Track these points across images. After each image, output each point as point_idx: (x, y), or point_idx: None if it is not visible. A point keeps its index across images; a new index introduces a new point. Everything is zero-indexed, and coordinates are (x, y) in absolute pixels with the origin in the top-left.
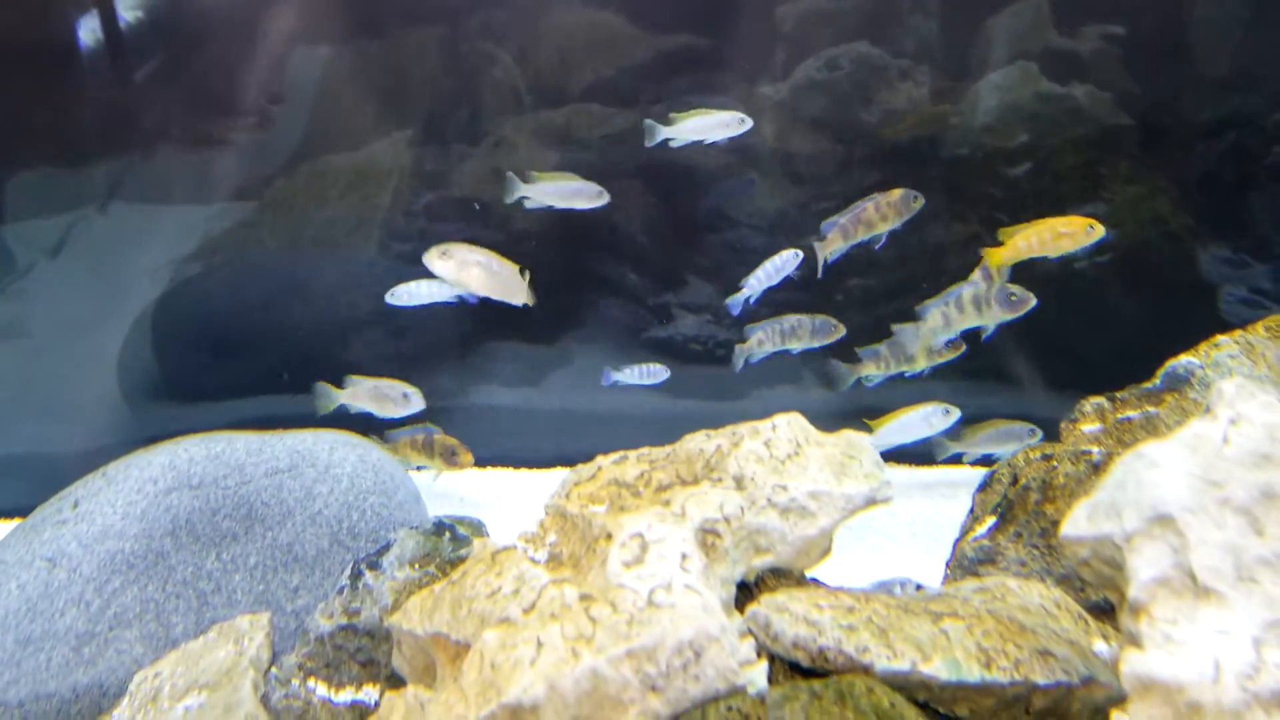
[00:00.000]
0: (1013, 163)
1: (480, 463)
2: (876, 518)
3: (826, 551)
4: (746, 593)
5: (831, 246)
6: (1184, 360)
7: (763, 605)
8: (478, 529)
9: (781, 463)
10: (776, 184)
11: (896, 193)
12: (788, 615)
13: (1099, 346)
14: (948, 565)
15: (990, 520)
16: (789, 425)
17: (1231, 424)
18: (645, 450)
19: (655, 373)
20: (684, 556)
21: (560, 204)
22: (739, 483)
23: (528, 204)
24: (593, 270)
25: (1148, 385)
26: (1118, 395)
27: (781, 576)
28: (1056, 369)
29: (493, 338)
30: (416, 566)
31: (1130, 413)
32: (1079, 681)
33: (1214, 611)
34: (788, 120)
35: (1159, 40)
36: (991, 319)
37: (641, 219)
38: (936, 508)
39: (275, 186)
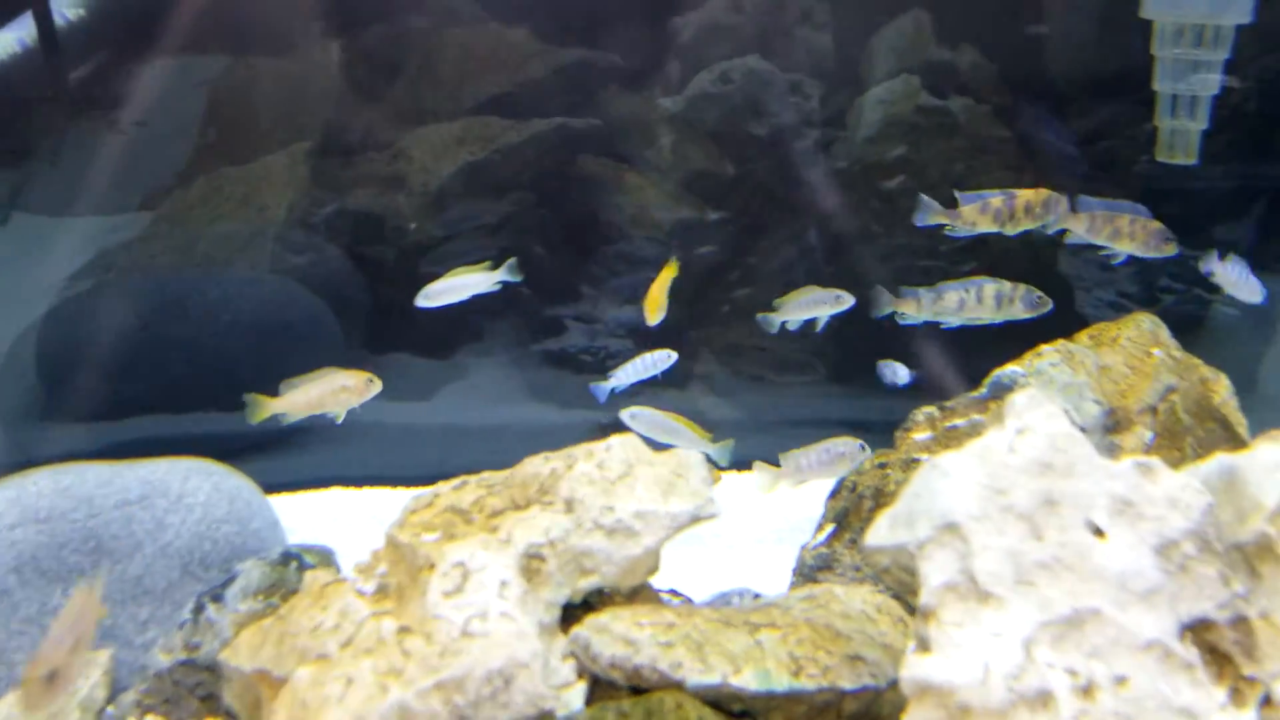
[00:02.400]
0: (889, 175)
1: (360, 482)
2: (747, 523)
3: (653, 569)
4: (578, 613)
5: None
6: (1009, 369)
7: (585, 627)
8: (326, 558)
9: (612, 484)
10: (672, 195)
11: (1043, 193)
12: (607, 635)
13: (967, 353)
14: (793, 572)
15: (830, 527)
16: (623, 446)
17: (1018, 434)
18: (486, 475)
19: (658, 360)
20: (503, 584)
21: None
22: (569, 505)
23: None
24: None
25: (975, 394)
26: (947, 404)
27: (611, 596)
28: (931, 374)
29: (379, 352)
30: (261, 598)
31: (958, 421)
32: (886, 685)
33: (993, 614)
34: (683, 132)
35: (1034, 52)
36: (1007, 316)
37: (536, 231)
38: (806, 514)
39: (170, 200)
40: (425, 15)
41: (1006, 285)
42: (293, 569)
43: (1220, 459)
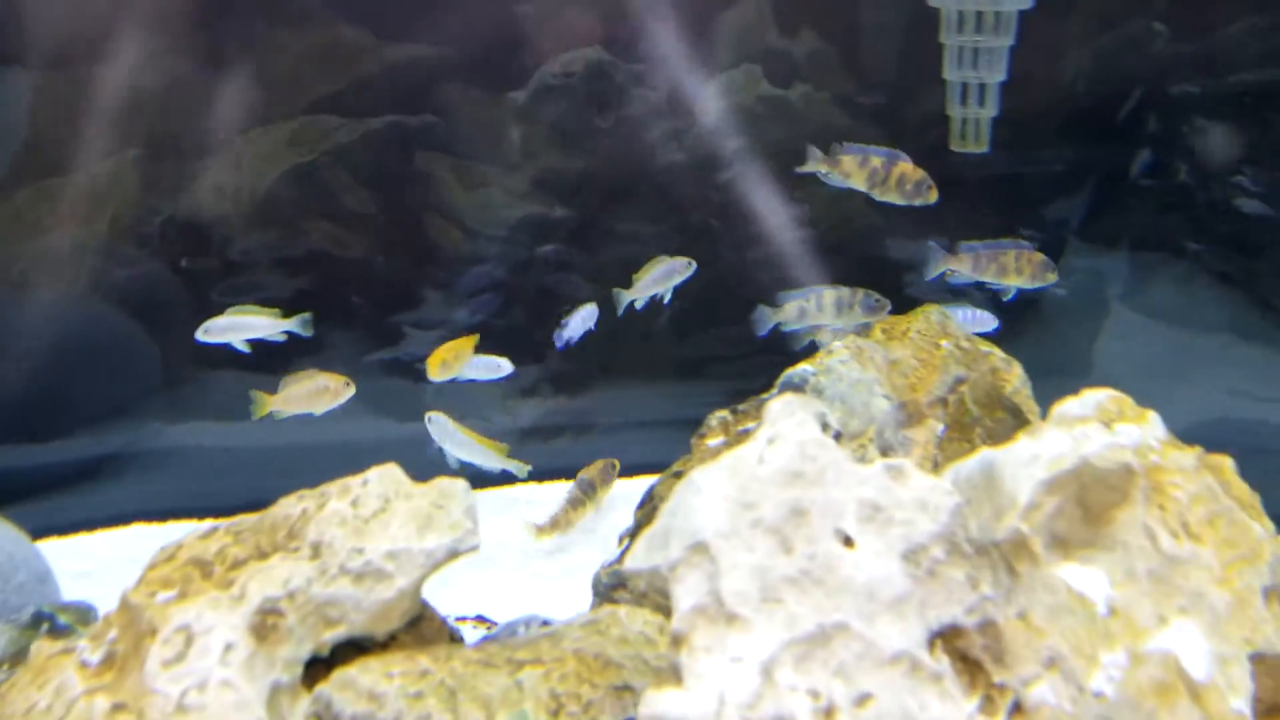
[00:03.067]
0: (725, 166)
1: (167, 515)
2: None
3: (408, 613)
4: (332, 665)
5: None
6: (800, 368)
7: (330, 683)
8: (84, 615)
9: (365, 522)
10: (515, 192)
11: (919, 173)
12: (350, 691)
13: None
14: (592, 592)
15: (626, 542)
16: (380, 479)
17: (769, 443)
18: (239, 520)
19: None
20: (227, 647)
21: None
22: (315, 550)
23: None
24: (317, 293)
25: (765, 395)
26: (740, 407)
27: (362, 645)
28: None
29: (205, 368)
30: (5, 668)
31: (749, 424)
32: None
33: (738, 637)
34: (526, 128)
35: (871, 42)
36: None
37: (372, 234)
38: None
39: None
40: (258, 14)
41: (845, 291)
42: (43, 632)
43: (982, 454)
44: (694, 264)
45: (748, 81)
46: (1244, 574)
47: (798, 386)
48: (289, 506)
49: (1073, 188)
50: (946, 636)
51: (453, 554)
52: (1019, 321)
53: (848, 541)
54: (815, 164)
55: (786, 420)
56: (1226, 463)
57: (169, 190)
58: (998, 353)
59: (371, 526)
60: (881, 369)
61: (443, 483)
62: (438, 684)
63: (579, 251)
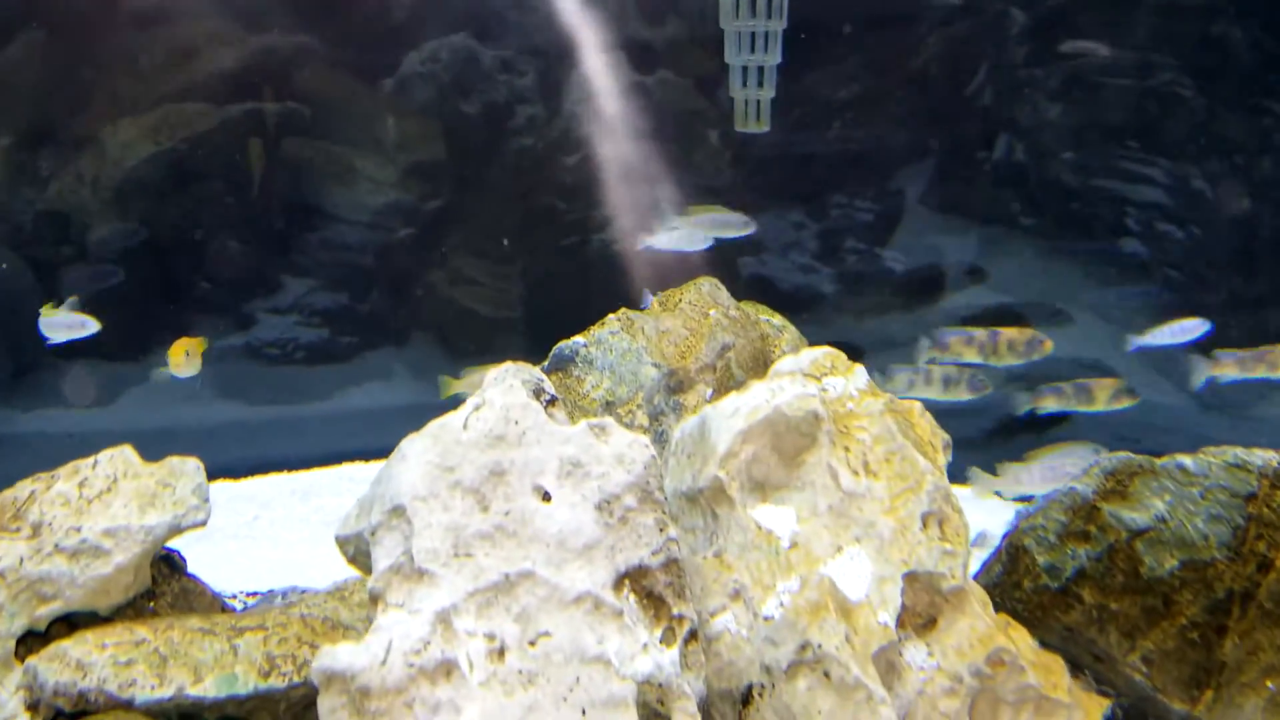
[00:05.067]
0: (573, 150)
1: None
2: None
3: (132, 586)
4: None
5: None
6: (572, 340)
7: (40, 656)
8: None
9: (89, 502)
10: (378, 178)
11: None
12: (58, 662)
13: None
14: None
15: None
16: (110, 461)
17: (475, 410)
18: None
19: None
20: None
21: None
22: (35, 530)
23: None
24: (175, 279)
25: (540, 366)
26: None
27: (81, 619)
28: None
29: (62, 357)
30: None
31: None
32: None
33: (425, 591)
34: (393, 114)
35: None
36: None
37: (231, 221)
38: None
39: None
40: (124, 4)
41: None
42: None
43: (703, 411)
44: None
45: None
46: (908, 503)
47: (568, 358)
48: (21, 489)
49: (917, 162)
50: (634, 576)
51: (175, 530)
52: (853, 292)
53: (545, 497)
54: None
55: (495, 388)
56: (915, 406)
57: (35, 180)
58: (774, 320)
59: (94, 506)
60: (651, 339)
61: (173, 461)
62: (151, 652)
63: (443, 234)
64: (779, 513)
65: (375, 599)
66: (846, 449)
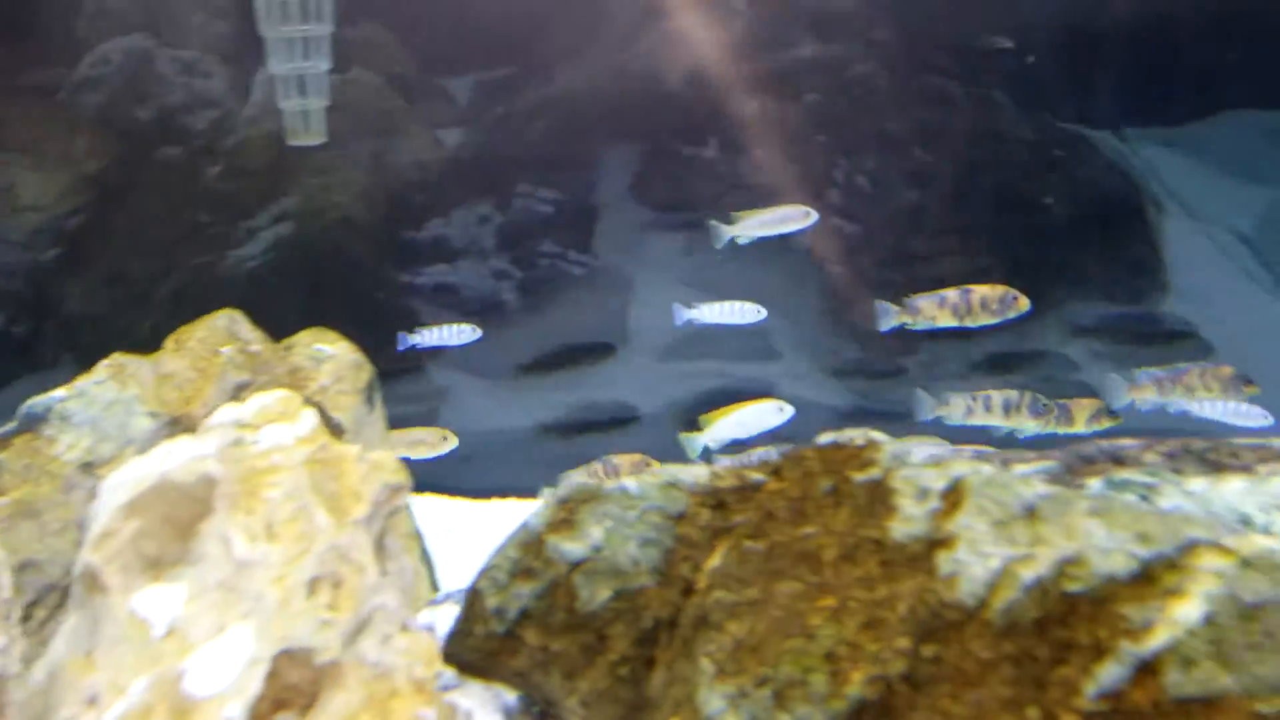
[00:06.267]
0: (267, 150)
1: None
2: None
3: None
4: None
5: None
6: (52, 395)
7: None
8: None
9: None
10: (43, 187)
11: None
12: None
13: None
14: None
15: None
16: None
17: None
18: None
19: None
20: None
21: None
22: None
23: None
24: None
25: (4, 428)
26: None
27: None
28: None
29: None
30: None
31: None
32: None
33: None
34: (74, 119)
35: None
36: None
37: None
38: None
39: None
40: None
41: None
42: None
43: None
44: (813, 213)
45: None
46: (299, 569)
47: (39, 416)
48: None
49: (617, 158)
50: None
51: None
52: (542, 297)
53: None
54: (895, 318)
55: None
56: (349, 453)
57: None
58: (327, 349)
59: None
60: (147, 385)
61: None
62: None
63: (91, 254)
64: (167, 593)
65: None
66: (250, 511)
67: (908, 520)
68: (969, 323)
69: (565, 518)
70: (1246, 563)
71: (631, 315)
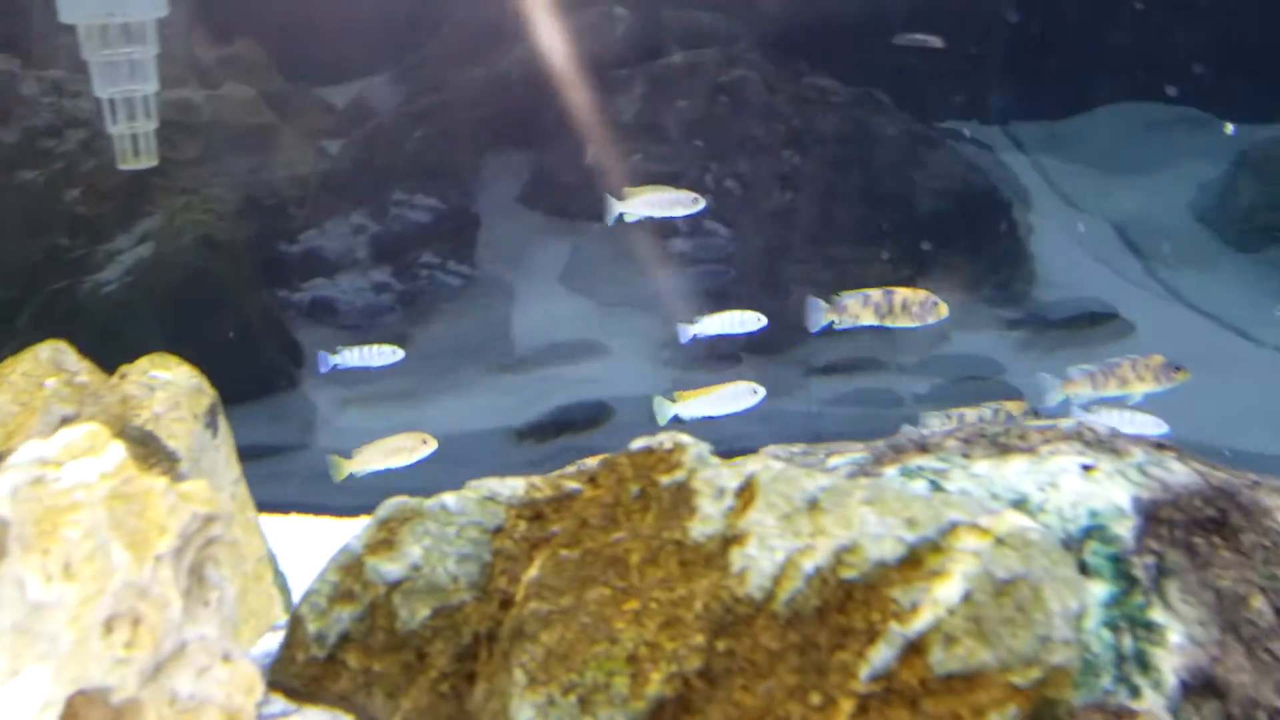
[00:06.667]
0: (74, 183)
1: None
2: None
3: None
4: None
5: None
6: None
7: None
8: None
9: None
10: None
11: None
12: None
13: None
14: None
15: None
16: None
17: None
18: None
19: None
20: None
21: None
22: None
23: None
24: None
25: None
26: None
27: None
28: None
29: None
30: None
31: None
32: None
33: None
34: None
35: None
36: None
37: None
38: None
39: None
40: None
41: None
42: None
43: None
44: (701, 200)
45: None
46: (96, 608)
47: None
48: None
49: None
50: None
51: None
52: (416, 310)
53: None
54: (825, 316)
55: None
56: (156, 486)
57: None
58: (161, 375)
59: None
60: None
61: None
62: None
63: None
64: None
65: None
66: (47, 551)
67: (705, 520)
68: (889, 323)
69: (385, 538)
70: (1000, 541)
71: (515, 324)
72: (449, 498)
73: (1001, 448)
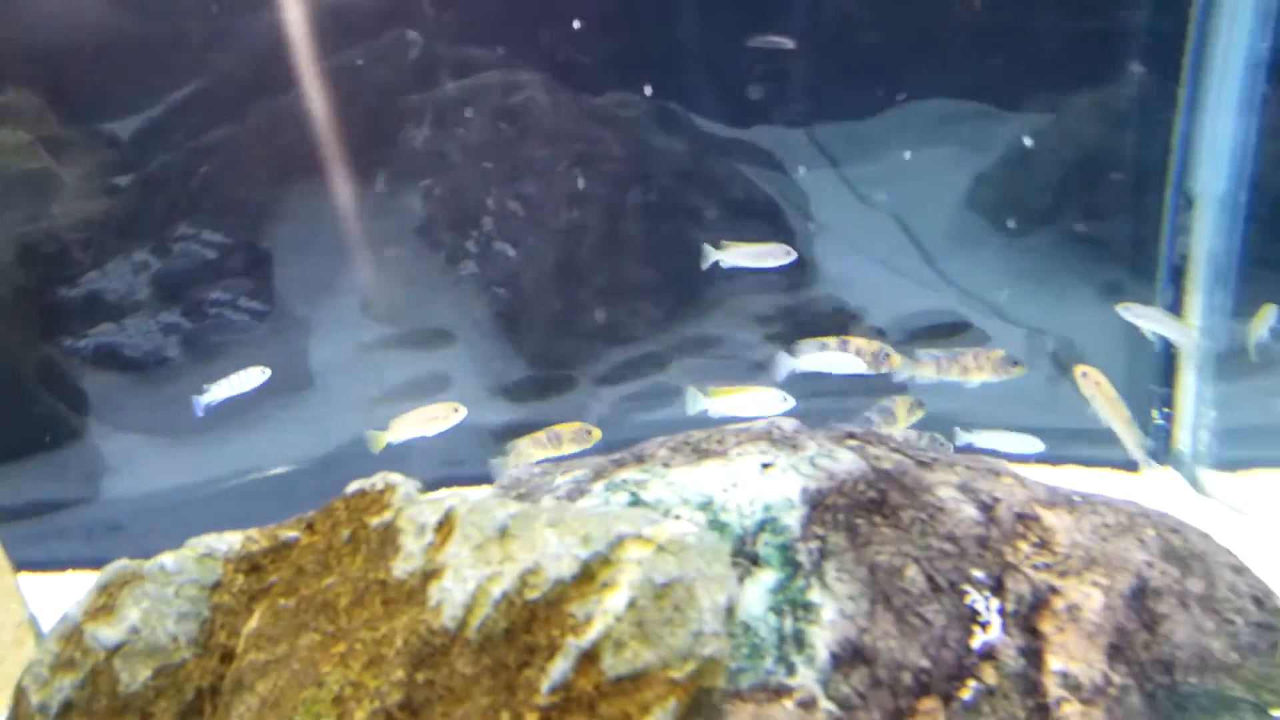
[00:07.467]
0: None
1: None
2: None
3: None
4: None
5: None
6: None
7: None
8: None
9: None
10: None
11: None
12: None
13: None
14: None
15: None
16: None
17: None
18: None
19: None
20: None
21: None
22: None
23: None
24: None
25: None
26: None
27: None
28: None
29: None
30: None
31: None
32: None
33: None
34: None
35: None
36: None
37: None
38: None
39: None
40: None
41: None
42: None
43: None
44: (793, 253)
45: None
46: None
47: None
48: None
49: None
50: None
51: None
52: (207, 349)
53: None
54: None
55: None
56: None
57: None
58: None
59: None
60: None
61: None
62: None
63: None
64: None
65: None
66: None
67: (408, 557)
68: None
69: (105, 603)
70: (661, 548)
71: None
72: (167, 558)
73: (701, 453)
